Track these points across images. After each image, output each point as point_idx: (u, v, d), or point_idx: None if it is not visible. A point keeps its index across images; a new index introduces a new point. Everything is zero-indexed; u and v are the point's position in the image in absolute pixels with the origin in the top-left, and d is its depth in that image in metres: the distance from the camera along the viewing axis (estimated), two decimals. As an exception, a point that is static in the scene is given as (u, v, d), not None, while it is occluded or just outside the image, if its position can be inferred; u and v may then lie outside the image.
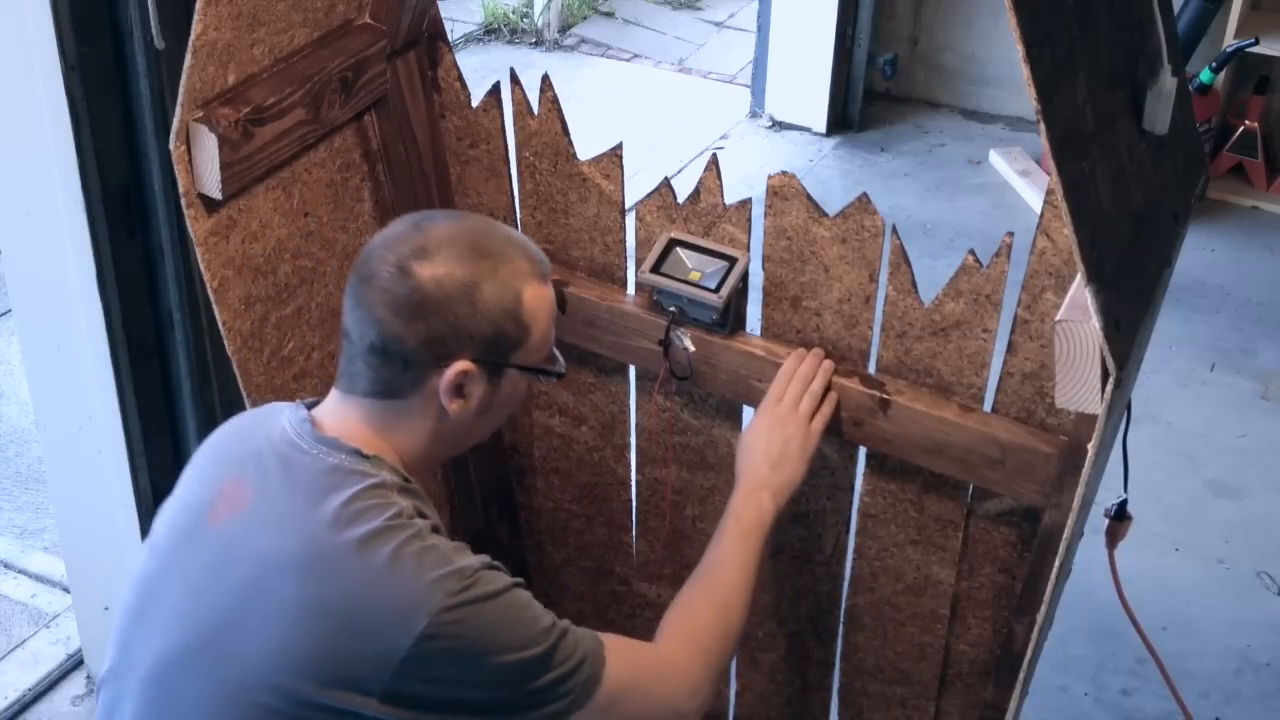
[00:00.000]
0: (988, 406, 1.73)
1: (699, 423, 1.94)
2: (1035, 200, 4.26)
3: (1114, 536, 1.69)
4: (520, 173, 1.90)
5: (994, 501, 1.77)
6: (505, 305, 1.38)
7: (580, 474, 2.11)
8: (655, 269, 1.78)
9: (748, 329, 1.85)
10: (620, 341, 1.89)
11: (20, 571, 2.92)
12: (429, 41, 1.84)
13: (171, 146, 1.50)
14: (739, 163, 4.49)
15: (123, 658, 1.41)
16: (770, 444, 1.69)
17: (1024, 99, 4.56)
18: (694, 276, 1.77)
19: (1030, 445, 1.67)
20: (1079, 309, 1.28)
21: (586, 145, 1.84)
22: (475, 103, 1.88)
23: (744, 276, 1.78)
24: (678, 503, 2.03)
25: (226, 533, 1.37)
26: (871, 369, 1.79)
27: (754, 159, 4.60)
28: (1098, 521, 1.72)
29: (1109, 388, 1.28)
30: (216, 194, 1.53)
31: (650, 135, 4.74)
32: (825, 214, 1.72)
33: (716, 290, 1.75)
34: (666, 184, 1.82)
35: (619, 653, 1.42)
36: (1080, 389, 1.32)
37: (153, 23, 1.82)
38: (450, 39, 1.96)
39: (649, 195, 1.83)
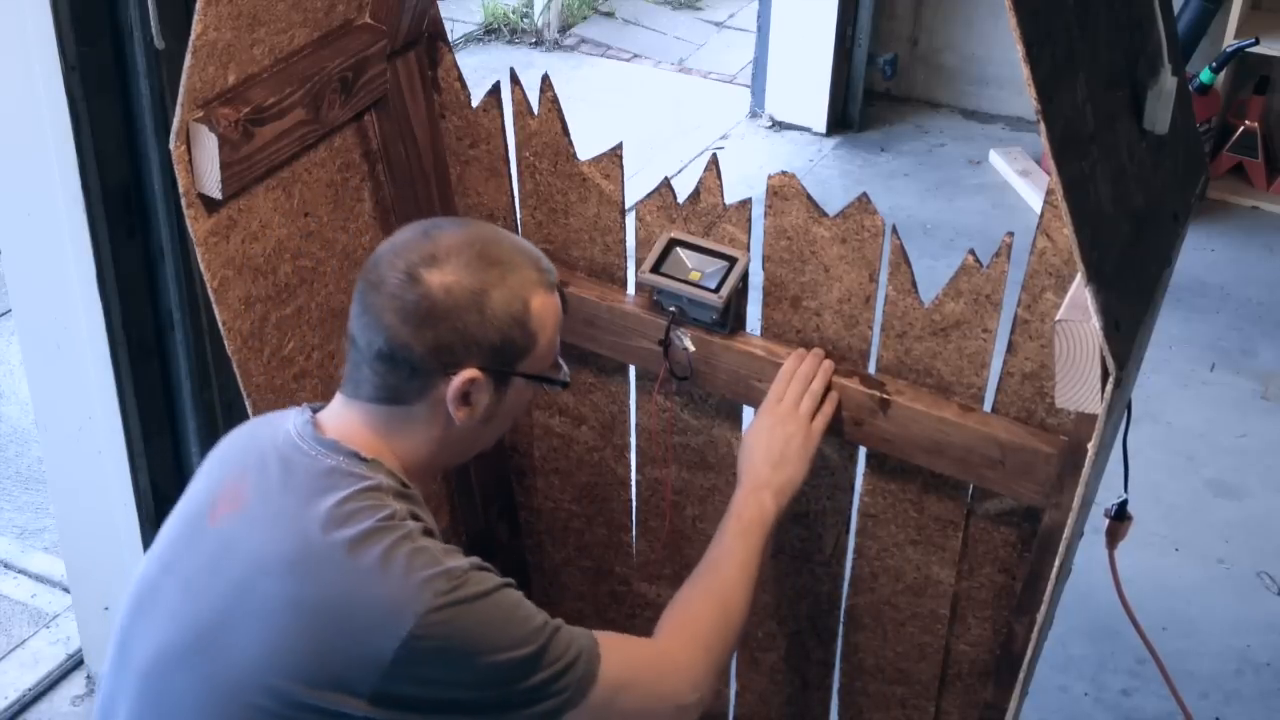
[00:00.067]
0: (988, 406, 1.73)
1: (699, 423, 1.94)
2: (1035, 200, 4.26)
3: (1114, 536, 1.69)
4: (520, 173, 1.90)
5: (994, 501, 1.77)
6: (513, 313, 1.38)
7: (580, 474, 2.11)
8: (655, 269, 1.78)
9: (748, 329, 1.85)
10: (620, 341, 1.89)
11: (20, 571, 2.92)
12: (429, 41, 1.84)
13: (171, 146, 1.50)
14: (739, 163, 4.49)
15: (121, 655, 1.41)
16: (771, 444, 1.69)
17: (1024, 99, 4.56)
18: (694, 276, 1.77)
19: (1030, 445, 1.67)
20: (1079, 309, 1.28)
21: (586, 145, 1.84)
22: (475, 103, 1.88)
23: (744, 276, 1.78)
24: (678, 503, 2.03)
25: (224, 532, 1.38)
26: (871, 369, 1.79)
27: (754, 159, 4.60)
28: (1098, 521, 1.72)
29: (1109, 388, 1.28)
30: (216, 194, 1.53)
31: (650, 135, 4.74)
32: (825, 214, 1.72)
33: (716, 290, 1.75)
34: (666, 184, 1.82)
35: (615, 650, 1.42)
36: (1080, 389, 1.32)
37: (153, 23, 1.82)
38: (450, 39, 1.96)
39: (649, 195, 1.83)
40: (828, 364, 1.76)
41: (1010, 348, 1.67)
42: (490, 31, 5.72)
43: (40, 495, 3.08)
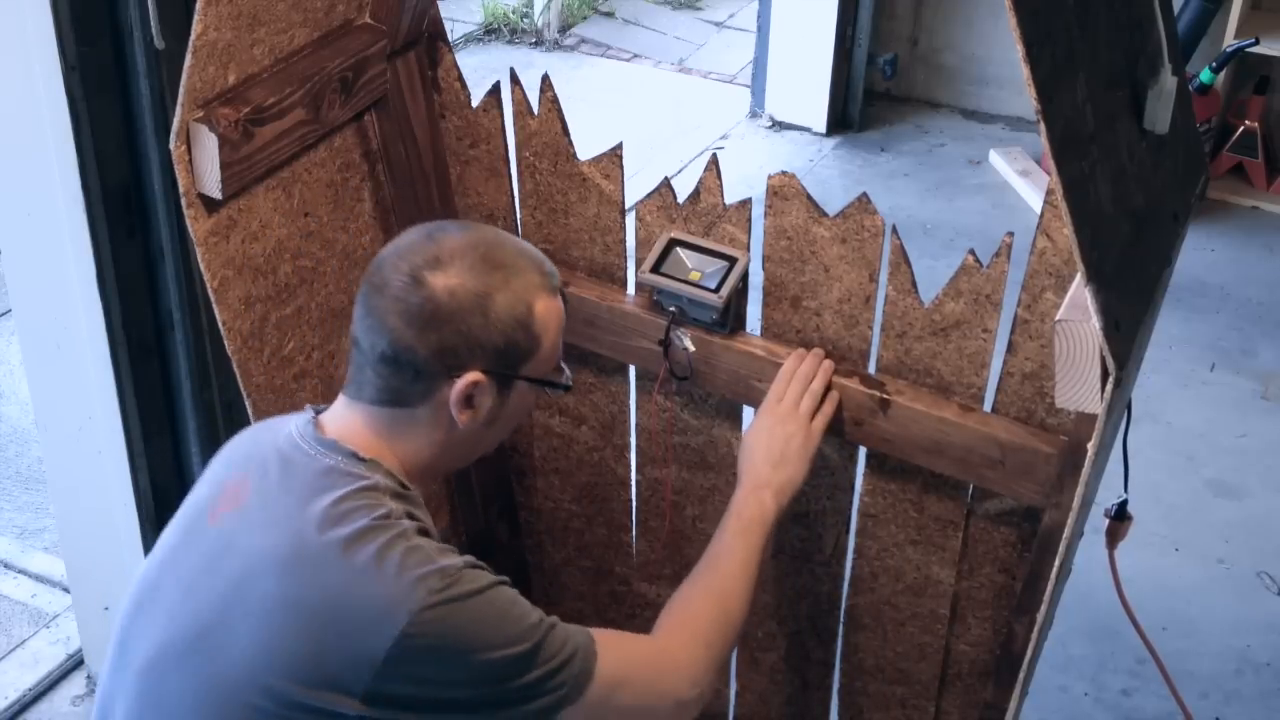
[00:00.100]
0: (988, 406, 1.73)
1: (699, 423, 1.94)
2: (1035, 200, 4.26)
3: (1114, 536, 1.69)
4: (520, 173, 1.90)
5: (994, 501, 1.77)
6: (517, 316, 1.39)
7: (580, 474, 2.11)
8: (655, 269, 1.78)
9: (748, 329, 1.85)
10: (620, 341, 1.89)
11: (20, 571, 2.92)
12: (429, 41, 1.84)
13: (171, 146, 1.50)
14: (739, 163, 4.49)
15: (120, 655, 1.42)
16: (771, 443, 1.70)
17: (1024, 99, 4.56)
18: (694, 276, 1.77)
19: (1030, 445, 1.67)
20: (1079, 309, 1.28)
21: (586, 145, 1.84)
22: (475, 103, 1.88)
23: (744, 276, 1.78)
24: (678, 503, 2.03)
25: (224, 531, 1.38)
26: (871, 369, 1.79)
27: (754, 159, 4.60)
28: (1098, 521, 1.72)
29: (1109, 388, 1.28)
30: (216, 194, 1.53)
31: (650, 135, 4.74)
32: (825, 214, 1.72)
33: (716, 290, 1.75)
34: (666, 184, 1.82)
35: (612, 647, 1.42)
36: (1080, 389, 1.32)
37: (153, 23, 1.81)
38: (450, 39, 1.96)
39: (649, 195, 1.83)
40: (828, 364, 1.76)
41: (1010, 348, 1.67)
42: (490, 31, 5.72)
43: (40, 495, 3.08)
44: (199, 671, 1.34)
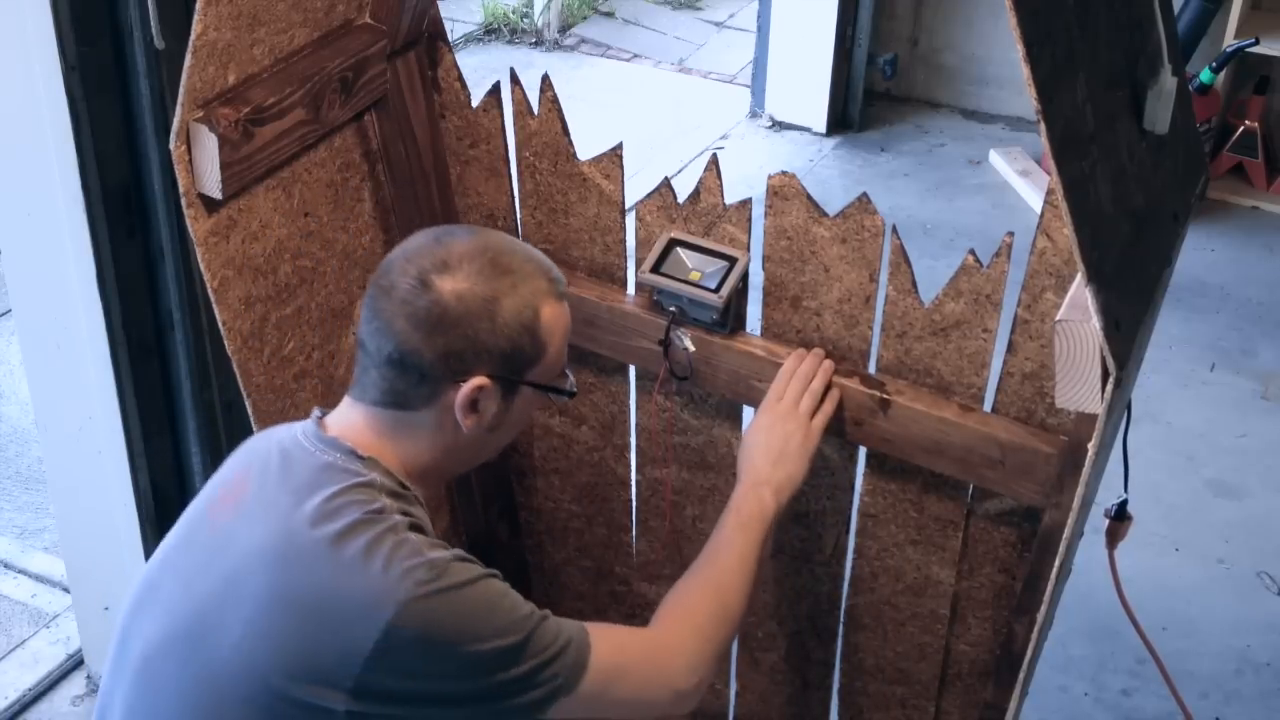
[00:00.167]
0: (988, 406, 1.73)
1: (699, 423, 1.94)
2: (1035, 200, 4.26)
3: (1114, 536, 1.69)
4: (520, 173, 1.90)
5: (994, 501, 1.77)
6: (524, 322, 1.39)
7: (580, 474, 2.11)
8: (655, 269, 1.78)
9: (748, 329, 1.85)
10: (620, 341, 1.89)
11: (20, 571, 2.92)
12: (429, 41, 1.84)
13: (171, 146, 1.50)
14: (739, 163, 4.49)
15: (120, 651, 1.43)
16: (770, 442, 1.70)
17: (1024, 99, 4.56)
18: (694, 276, 1.77)
19: (1030, 445, 1.67)
20: (1079, 309, 1.28)
21: (586, 145, 1.84)
22: (475, 103, 1.88)
23: (744, 276, 1.78)
24: (678, 503, 2.03)
25: (223, 527, 1.39)
26: (871, 369, 1.79)
27: (754, 159, 4.60)
28: (1098, 521, 1.72)
29: (1109, 388, 1.28)
30: (216, 194, 1.53)
31: (650, 135, 4.74)
32: (825, 214, 1.72)
33: (716, 290, 1.75)
34: (666, 184, 1.82)
35: (606, 639, 1.43)
36: (1080, 389, 1.32)
37: (153, 23, 1.81)
38: (450, 39, 1.96)
39: (649, 195, 1.83)
40: (828, 363, 1.76)
41: (1010, 348, 1.67)
42: (490, 31, 5.72)
43: (40, 495, 3.08)
44: (191, 665, 1.34)
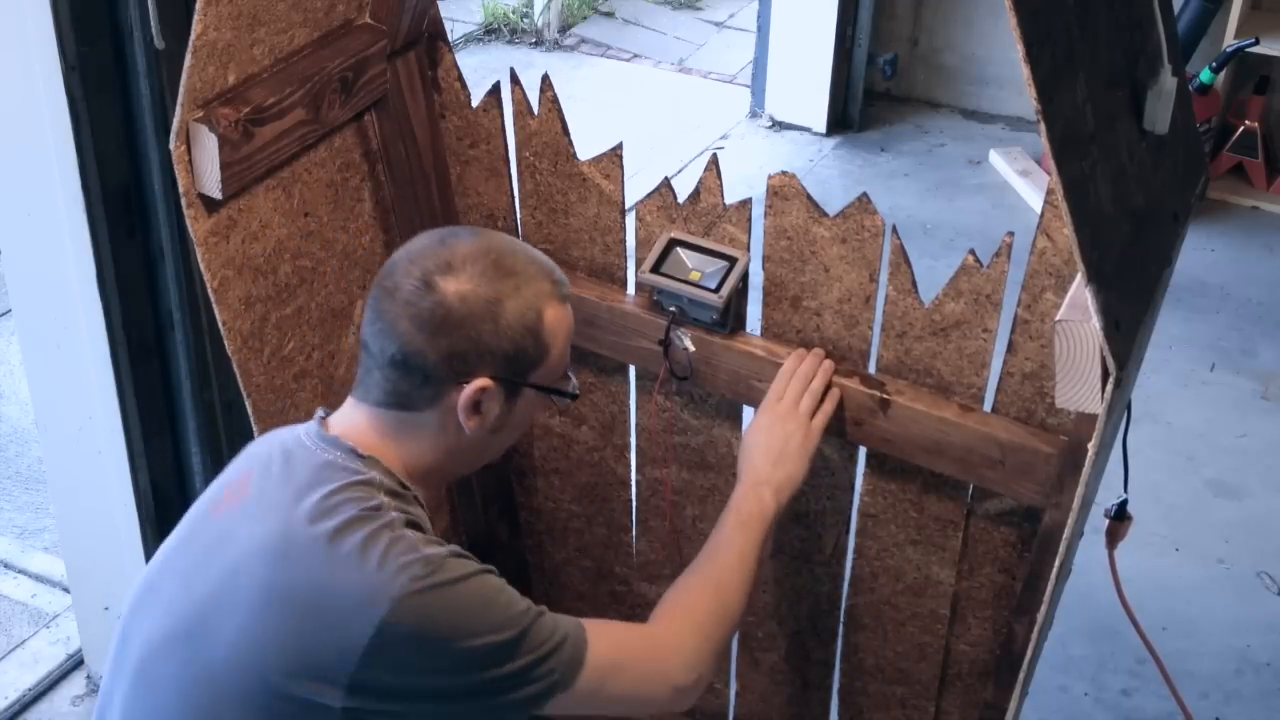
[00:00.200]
0: (988, 406, 1.73)
1: (699, 423, 1.94)
2: (1035, 200, 4.26)
3: (1114, 536, 1.69)
4: (520, 173, 1.90)
5: (994, 501, 1.77)
6: (527, 324, 1.39)
7: (580, 474, 2.11)
8: (655, 269, 1.78)
9: (748, 329, 1.85)
10: (620, 341, 1.89)
11: (20, 571, 2.92)
12: (429, 41, 1.84)
13: (171, 146, 1.50)
14: (739, 163, 4.49)
15: (121, 648, 1.43)
16: (770, 441, 1.70)
17: (1024, 99, 4.56)
18: (694, 276, 1.77)
19: (1030, 445, 1.67)
20: (1079, 309, 1.28)
21: (586, 145, 1.84)
22: (475, 103, 1.88)
23: (744, 276, 1.78)
24: (678, 503, 2.03)
25: (224, 524, 1.40)
26: (871, 369, 1.79)
27: (754, 159, 4.60)
28: (1098, 521, 1.72)
29: (1109, 388, 1.28)
30: (216, 194, 1.53)
31: (650, 135, 4.74)
32: (825, 214, 1.72)
33: (716, 290, 1.75)
34: (666, 184, 1.82)
35: (603, 635, 1.43)
36: (1080, 389, 1.32)
37: (153, 23, 1.81)
38: (450, 39, 1.96)
39: (649, 195, 1.83)
40: (828, 363, 1.76)
41: (1010, 348, 1.67)
42: (490, 31, 5.72)
43: (40, 495, 3.08)
44: (189, 661, 1.35)
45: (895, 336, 1.73)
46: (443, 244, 1.40)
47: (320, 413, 1.45)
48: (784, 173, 1.74)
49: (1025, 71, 1.12)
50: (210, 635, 1.34)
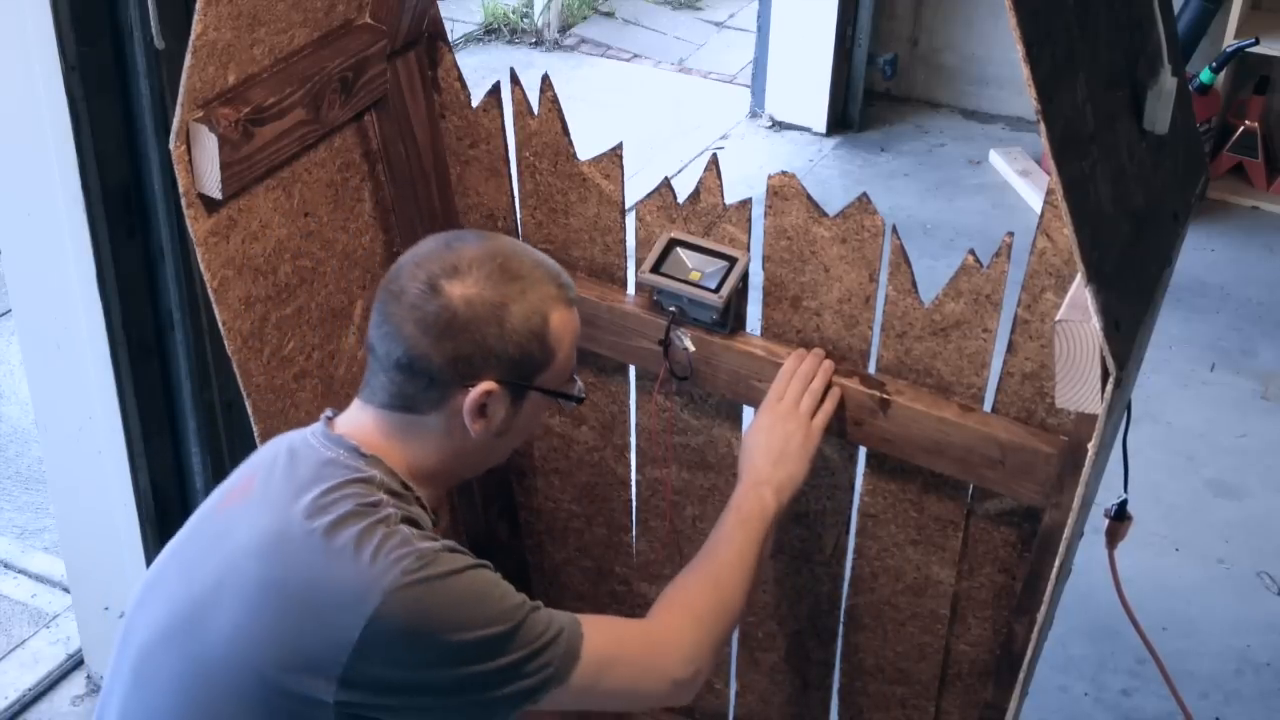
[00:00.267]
0: (988, 406, 1.73)
1: (699, 423, 1.94)
2: (1035, 200, 4.26)
3: (1114, 536, 1.69)
4: (520, 173, 1.90)
5: (994, 501, 1.77)
6: (532, 328, 1.39)
7: (580, 474, 2.11)
8: (655, 269, 1.78)
9: (748, 329, 1.85)
10: (620, 341, 1.89)
11: (20, 571, 2.92)
12: (429, 41, 1.84)
13: (171, 146, 1.50)
14: (739, 163, 4.49)
15: (123, 644, 1.44)
16: (771, 441, 1.70)
17: (1024, 99, 4.56)
18: (694, 276, 1.77)
19: (1030, 445, 1.67)
20: (1079, 309, 1.28)
21: (586, 145, 1.84)
22: (475, 103, 1.88)
23: (744, 276, 1.78)
24: (678, 503, 2.03)
25: (226, 520, 1.41)
26: (871, 369, 1.79)
27: (754, 159, 4.60)
28: (1098, 521, 1.72)
29: (1109, 388, 1.28)
30: (216, 194, 1.53)
31: (650, 135, 4.74)
32: (825, 214, 1.72)
33: (716, 290, 1.75)
34: (666, 184, 1.82)
35: (599, 630, 1.43)
36: (1080, 389, 1.32)
37: (153, 23, 1.81)
38: (450, 39, 1.96)
39: (649, 195, 1.83)
40: (828, 363, 1.76)
41: (1010, 348, 1.67)
42: (490, 31, 5.71)
43: (40, 495, 3.08)
44: (185, 653, 1.35)
45: (895, 336, 1.73)
46: (448, 248, 1.41)
47: (328, 413, 1.46)
48: (784, 173, 1.74)
49: (1025, 71, 1.12)
50: (206, 628, 1.34)
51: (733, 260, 1.77)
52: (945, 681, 1.96)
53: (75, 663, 2.69)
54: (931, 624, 1.91)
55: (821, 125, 4.78)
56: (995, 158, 4.63)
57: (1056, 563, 1.45)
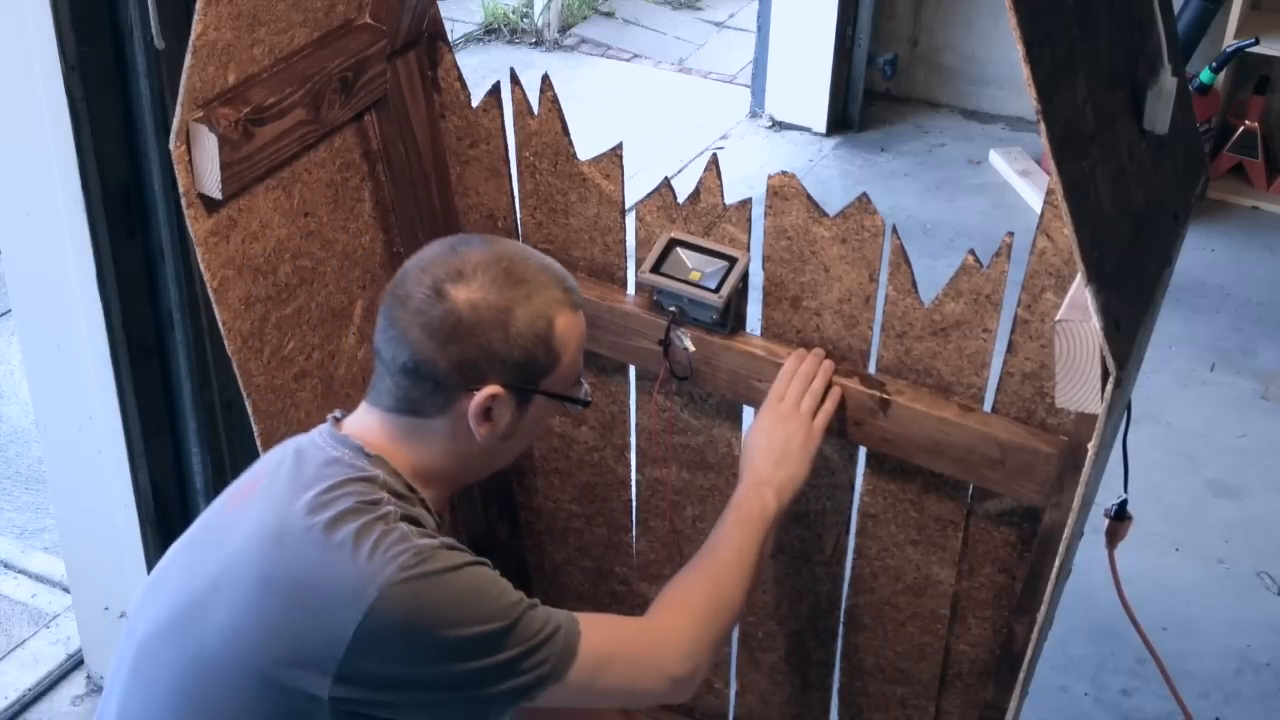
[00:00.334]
0: (988, 406, 1.73)
1: (699, 423, 1.94)
2: (1035, 200, 4.26)
3: (1114, 536, 1.69)
4: (520, 173, 1.90)
5: (994, 501, 1.77)
6: (537, 332, 1.40)
7: (580, 474, 2.11)
8: (655, 269, 1.78)
9: (748, 329, 1.85)
10: (620, 341, 1.89)
11: (20, 571, 2.92)
12: (429, 41, 1.84)
13: (171, 146, 1.50)
14: (739, 163, 4.49)
15: (126, 639, 1.45)
16: (772, 442, 1.70)
17: (1024, 99, 4.56)
18: (694, 276, 1.77)
19: (1030, 445, 1.67)
20: (1079, 309, 1.28)
21: (586, 145, 1.84)
22: (475, 103, 1.88)
23: (744, 276, 1.78)
24: (678, 503, 2.03)
25: (231, 517, 1.42)
26: (871, 369, 1.79)
27: (754, 159, 4.60)
28: (1098, 521, 1.72)
29: (1109, 387, 1.28)
30: (216, 194, 1.53)
31: (650, 135, 4.74)
32: (825, 214, 1.72)
33: (716, 290, 1.75)
34: (666, 184, 1.82)
35: (598, 627, 1.43)
36: (1080, 389, 1.32)
37: (153, 23, 1.81)
38: (450, 39, 1.96)
39: (649, 195, 1.83)
40: (828, 364, 1.76)
41: (1010, 348, 1.67)
42: (490, 31, 5.71)
43: (40, 495, 3.08)
44: (183, 648, 1.36)
45: (895, 336, 1.73)
46: (454, 252, 1.41)
47: (336, 414, 1.47)
48: (784, 173, 1.74)
49: (1025, 71, 1.12)
50: (204, 622, 1.35)
51: (733, 260, 1.77)
52: (945, 681, 1.96)
53: (75, 663, 2.70)
54: (931, 624, 1.91)
55: (821, 125, 4.78)
56: (995, 158, 4.63)
57: (1056, 563, 1.45)
